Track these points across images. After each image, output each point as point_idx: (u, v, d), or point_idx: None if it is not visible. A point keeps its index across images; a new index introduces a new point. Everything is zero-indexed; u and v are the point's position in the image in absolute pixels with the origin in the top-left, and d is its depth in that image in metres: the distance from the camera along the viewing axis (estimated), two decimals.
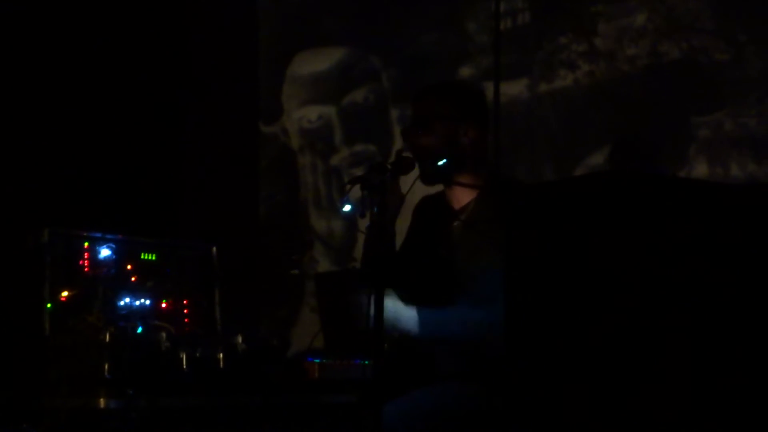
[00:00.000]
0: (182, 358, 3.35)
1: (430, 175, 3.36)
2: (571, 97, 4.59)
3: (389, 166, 3.16)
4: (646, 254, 2.27)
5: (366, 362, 3.65)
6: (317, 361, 3.64)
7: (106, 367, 3.22)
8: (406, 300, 3.27)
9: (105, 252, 3.71)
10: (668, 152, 4.31)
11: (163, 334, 3.37)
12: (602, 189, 2.33)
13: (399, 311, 3.24)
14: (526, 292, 2.41)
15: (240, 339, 3.50)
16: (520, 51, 4.72)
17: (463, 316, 3.24)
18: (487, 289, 3.16)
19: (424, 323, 3.24)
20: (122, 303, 3.66)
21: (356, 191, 3.12)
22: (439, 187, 3.46)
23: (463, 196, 3.39)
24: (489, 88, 4.60)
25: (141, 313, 3.66)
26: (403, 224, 3.43)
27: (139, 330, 3.46)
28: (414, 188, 3.29)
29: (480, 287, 3.20)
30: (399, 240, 3.46)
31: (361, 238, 3.39)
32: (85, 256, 3.67)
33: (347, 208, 3.14)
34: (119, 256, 3.74)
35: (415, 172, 3.32)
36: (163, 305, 3.80)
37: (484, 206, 3.32)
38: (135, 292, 3.71)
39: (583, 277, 2.30)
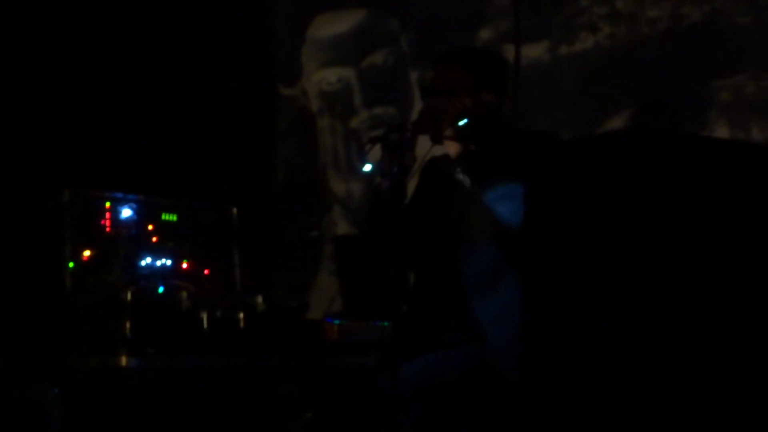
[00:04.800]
0: (203, 318, 3.37)
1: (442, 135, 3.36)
2: (591, 60, 4.57)
3: (410, 126, 3.16)
4: (664, 214, 2.27)
5: (385, 324, 3.67)
6: (336, 322, 3.65)
7: (127, 326, 3.24)
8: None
9: (126, 212, 3.71)
10: (689, 116, 4.29)
11: (184, 294, 3.38)
12: (619, 148, 2.33)
13: None
14: (540, 257, 2.40)
15: (260, 300, 3.51)
16: (541, 13, 4.70)
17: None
18: (490, 248, 3.19)
19: None
20: (143, 263, 3.68)
21: (376, 151, 3.12)
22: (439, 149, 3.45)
23: None
24: (509, 51, 4.60)
25: (162, 273, 3.68)
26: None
27: (160, 290, 3.48)
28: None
29: (483, 246, 3.23)
30: None
31: None
32: (107, 216, 3.67)
33: (367, 167, 3.14)
34: (140, 216, 3.75)
35: None
36: (184, 266, 3.81)
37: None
38: (156, 252, 3.72)
39: (600, 237, 2.30)
